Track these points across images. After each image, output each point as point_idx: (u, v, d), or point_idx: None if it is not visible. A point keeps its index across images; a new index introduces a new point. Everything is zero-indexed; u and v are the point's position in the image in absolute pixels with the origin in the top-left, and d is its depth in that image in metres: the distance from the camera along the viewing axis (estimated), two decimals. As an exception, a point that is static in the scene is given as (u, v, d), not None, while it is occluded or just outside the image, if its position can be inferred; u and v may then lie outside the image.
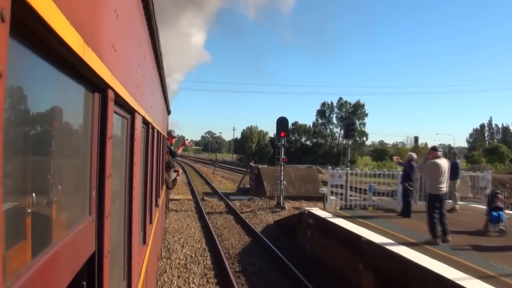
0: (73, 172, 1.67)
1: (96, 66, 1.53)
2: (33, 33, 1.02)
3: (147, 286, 4.51)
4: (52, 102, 1.37)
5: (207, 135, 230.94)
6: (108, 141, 1.91)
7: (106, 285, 1.90)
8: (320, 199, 20.59)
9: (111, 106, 1.96)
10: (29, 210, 1.17)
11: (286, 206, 20.27)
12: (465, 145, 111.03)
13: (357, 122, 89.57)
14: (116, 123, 2.28)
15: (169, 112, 13.35)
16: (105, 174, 1.88)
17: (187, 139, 18.35)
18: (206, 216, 17.85)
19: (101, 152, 1.85)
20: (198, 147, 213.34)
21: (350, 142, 21.03)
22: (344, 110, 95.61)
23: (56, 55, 1.21)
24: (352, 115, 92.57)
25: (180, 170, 13.98)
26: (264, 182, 24.51)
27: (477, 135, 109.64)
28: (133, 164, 2.95)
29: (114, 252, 2.40)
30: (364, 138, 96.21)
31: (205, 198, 24.22)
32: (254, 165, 29.12)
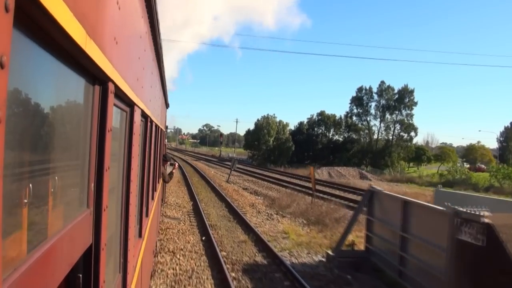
0: (72, 164, 1.67)
1: (98, 58, 1.52)
2: (37, 25, 1.01)
3: (142, 279, 4.51)
4: (54, 93, 1.37)
5: (205, 128, 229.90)
6: (107, 133, 1.90)
7: (102, 278, 1.90)
8: None
9: (111, 98, 1.95)
10: (28, 202, 1.17)
11: None
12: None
13: (404, 113, 71.21)
14: (115, 115, 2.27)
15: (167, 105, 13.32)
16: (104, 167, 1.88)
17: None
18: None
19: (100, 144, 1.84)
20: (195, 141, 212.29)
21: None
22: (386, 97, 71.59)
23: (59, 47, 1.20)
24: (398, 103, 70.76)
25: (177, 164, 13.98)
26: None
27: (508, 134, 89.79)
28: (131, 157, 2.94)
29: (110, 245, 2.40)
30: (413, 133, 72.50)
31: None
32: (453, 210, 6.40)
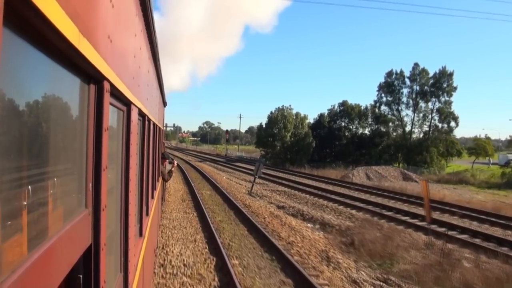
0: (69, 164, 1.66)
1: (92, 57, 1.51)
2: (28, 23, 1.00)
3: (144, 278, 4.52)
4: (48, 93, 1.35)
5: (205, 125, 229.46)
6: (104, 133, 1.89)
7: (102, 278, 1.90)
8: None
9: (107, 97, 1.93)
10: (25, 203, 1.16)
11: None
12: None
13: (442, 100, 57.73)
14: (112, 115, 2.26)
15: (165, 104, 13.30)
16: (101, 167, 1.87)
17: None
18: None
19: (97, 144, 1.83)
20: (196, 138, 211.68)
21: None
22: (420, 82, 58.08)
23: (52, 46, 1.19)
24: (435, 89, 57.03)
25: (176, 162, 13.97)
26: None
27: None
28: (129, 156, 2.93)
29: (111, 245, 2.40)
30: (453, 124, 58.48)
31: None
32: None
